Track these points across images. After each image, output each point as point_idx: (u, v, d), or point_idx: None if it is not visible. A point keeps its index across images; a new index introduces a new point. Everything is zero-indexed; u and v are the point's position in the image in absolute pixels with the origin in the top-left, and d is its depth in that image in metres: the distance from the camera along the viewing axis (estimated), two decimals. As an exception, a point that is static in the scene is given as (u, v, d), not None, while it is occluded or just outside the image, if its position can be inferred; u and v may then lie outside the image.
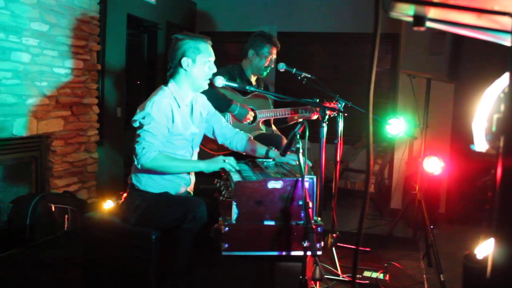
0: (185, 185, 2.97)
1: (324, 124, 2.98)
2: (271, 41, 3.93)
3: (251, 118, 3.73)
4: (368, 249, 3.83)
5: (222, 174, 2.82)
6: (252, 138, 3.21)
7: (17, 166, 4.42)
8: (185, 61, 2.83)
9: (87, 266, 3.05)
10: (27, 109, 4.11)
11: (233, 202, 2.31)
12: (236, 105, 3.66)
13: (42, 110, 4.28)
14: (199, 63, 2.85)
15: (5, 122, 3.90)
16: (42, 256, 3.61)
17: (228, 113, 3.74)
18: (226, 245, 2.28)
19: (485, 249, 1.44)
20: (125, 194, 2.99)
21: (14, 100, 3.97)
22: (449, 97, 5.48)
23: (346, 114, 3.31)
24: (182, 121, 2.87)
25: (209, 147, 3.68)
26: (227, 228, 2.28)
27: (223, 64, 3.75)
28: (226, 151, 3.49)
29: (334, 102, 3.64)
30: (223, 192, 2.63)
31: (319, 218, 2.42)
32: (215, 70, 2.93)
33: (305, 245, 2.10)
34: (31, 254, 3.64)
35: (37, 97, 4.21)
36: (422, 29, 0.98)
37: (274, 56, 3.96)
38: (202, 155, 3.36)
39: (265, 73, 3.98)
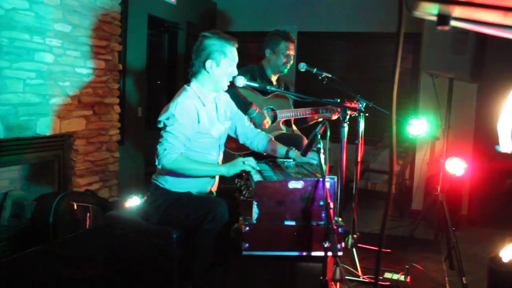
0: (210, 184, 2.99)
1: (345, 124, 2.96)
2: (286, 37, 3.91)
3: (267, 126, 3.71)
4: (389, 250, 3.80)
5: (243, 173, 2.83)
6: (272, 139, 3.21)
7: (40, 165, 4.50)
8: (209, 63, 2.83)
9: (109, 263, 3.09)
10: (50, 108, 4.18)
11: (253, 201, 2.32)
12: (255, 110, 3.65)
13: (65, 109, 4.35)
14: (223, 67, 2.86)
15: (29, 122, 3.97)
16: (64, 253, 3.66)
17: (247, 115, 3.74)
18: (247, 245, 2.29)
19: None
20: (147, 193, 3.02)
21: (38, 99, 4.04)
22: (472, 97, 5.40)
23: (367, 114, 3.29)
24: (209, 119, 2.89)
25: (229, 146, 3.69)
26: (247, 228, 2.29)
27: (244, 64, 3.75)
28: (246, 151, 3.50)
29: (355, 102, 3.61)
30: (244, 192, 2.63)
31: (340, 219, 2.41)
32: (236, 73, 2.94)
33: (325, 245, 2.10)
34: (53, 251, 3.69)
35: (60, 96, 4.28)
36: (447, 28, 0.97)
37: (292, 52, 3.94)
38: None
39: (285, 70, 3.97)
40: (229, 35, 2.92)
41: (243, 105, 3.61)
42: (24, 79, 3.90)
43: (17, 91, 3.84)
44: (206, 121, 2.86)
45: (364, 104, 3.48)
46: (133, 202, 3.99)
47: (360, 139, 3.23)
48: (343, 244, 2.30)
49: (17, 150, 4.01)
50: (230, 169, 2.77)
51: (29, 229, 4.06)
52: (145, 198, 3.03)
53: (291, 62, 3.96)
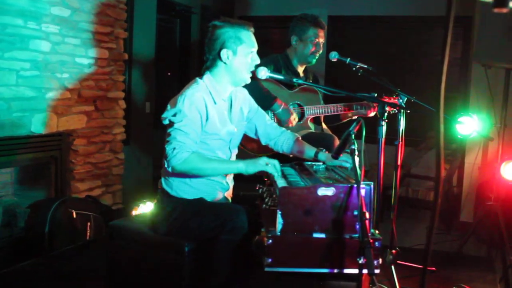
0: (222, 190, 2.99)
1: (383, 122, 2.95)
2: (315, 23, 3.90)
3: (294, 123, 3.71)
4: (433, 268, 3.77)
5: (265, 179, 2.83)
6: (299, 139, 3.21)
7: (35, 167, 4.55)
8: (224, 53, 2.84)
9: (111, 280, 3.11)
10: (46, 103, 4.24)
11: (277, 210, 2.31)
12: (279, 105, 3.65)
13: (63, 105, 4.40)
14: (240, 55, 2.86)
15: (23, 118, 4.03)
16: (61, 267, 3.70)
17: (270, 112, 3.74)
18: (269, 260, 2.29)
19: None
20: (155, 201, 3.04)
21: (32, 93, 4.09)
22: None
23: (408, 111, 3.27)
24: (219, 119, 2.90)
25: (250, 147, 3.70)
26: (270, 241, 2.28)
27: (266, 53, 3.75)
28: (269, 152, 3.50)
29: (394, 96, 3.59)
30: (266, 200, 2.63)
31: (377, 231, 2.39)
32: (258, 61, 2.94)
33: (360, 262, 2.09)
34: (49, 265, 3.73)
35: (57, 90, 4.33)
36: (505, 10, 0.96)
37: (322, 40, 3.94)
38: (242, 157, 3.37)
39: (313, 61, 3.96)
40: (242, 20, 2.94)
41: (266, 100, 3.61)
42: (17, 70, 3.95)
43: (9, 83, 3.90)
44: (216, 120, 2.87)
45: (405, 99, 3.47)
46: (140, 210, 4.03)
47: (400, 140, 3.21)
48: (380, 260, 2.29)
49: (9, 150, 4.07)
50: (250, 167, 2.75)
51: (22, 240, 4.10)
52: (152, 206, 3.05)
53: (320, 51, 3.95)
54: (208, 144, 2.88)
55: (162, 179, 2.96)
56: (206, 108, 2.81)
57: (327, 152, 3.06)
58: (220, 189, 2.98)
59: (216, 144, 2.92)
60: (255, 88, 3.44)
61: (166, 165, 2.72)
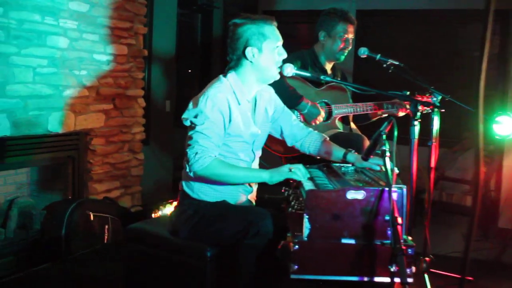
0: (246, 192, 2.99)
1: (416, 122, 2.93)
2: (344, 18, 3.88)
3: (321, 120, 3.70)
4: (470, 278, 3.72)
5: (292, 181, 2.82)
6: (327, 139, 3.19)
7: (51, 168, 4.61)
8: (249, 51, 2.83)
9: (129, 285, 3.12)
10: (64, 101, 4.29)
11: (304, 215, 2.30)
12: (307, 104, 3.64)
13: (81, 103, 4.45)
14: (266, 51, 2.85)
15: (40, 117, 4.08)
16: (78, 272, 3.73)
17: (296, 111, 3.73)
18: (296, 267, 2.28)
19: None
20: (175, 203, 3.04)
21: (49, 91, 4.15)
22: None
23: (443, 110, 3.24)
24: (242, 121, 2.89)
25: (275, 148, 3.69)
26: (297, 246, 2.27)
27: (292, 49, 3.74)
28: (295, 153, 3.49)
29: (427, 95, 3.56)
30: (293, 203, 2.63)
31: (410, 238, 2.37)
32: (285, 55, 2.93)
33: (392, 270, 2.08)
34: (66, 269, 3.77)
35: (75, 88, 4.38)
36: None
37: (351, 36, 3.92)
38: (267, 157, 3.37)
39: (342, 57, 3.94)
40: (263, 15, 2.93)
41: (292, 98, 3.60)
42: (34, 67, 4.01)
43: (26, 81, 3.95)
44: (239, 122, 2.86)
45: (440, 97, 3.43)
46: (160, 213, 4.05)
47: (434, 141, 3.18)
48: (413, 268, 2.27)
49: (25, 150, 4.12)
50: (274, 176, 2.74)
51: (37, 242, 4.15)
52: (174, 208, 3.06)
53: (350, 47, 3.93)
54: (230, 146, 2.88)
55: (183, 182, 2.97)
56: (230, 110, 2.81)
57: (356, 153, 3.04)
58: (244, 191, 2.98)
59: (239, 146, 2.92)
60: (280, 86, 3.42)
61: (187, 170, 2.72)
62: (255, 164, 3.08)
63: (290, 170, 2.70)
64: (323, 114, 3.70)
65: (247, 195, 3.01)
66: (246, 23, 2.85)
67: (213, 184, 2.84)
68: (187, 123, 2.81)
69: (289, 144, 3.24)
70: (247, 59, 2.85)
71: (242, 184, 2.93)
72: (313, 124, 3.68)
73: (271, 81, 2.98)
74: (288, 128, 3.19)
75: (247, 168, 2.95)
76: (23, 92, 3.92)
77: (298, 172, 2.69)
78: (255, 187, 3.07)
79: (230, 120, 2.82)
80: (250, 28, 2.83)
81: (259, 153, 3.10)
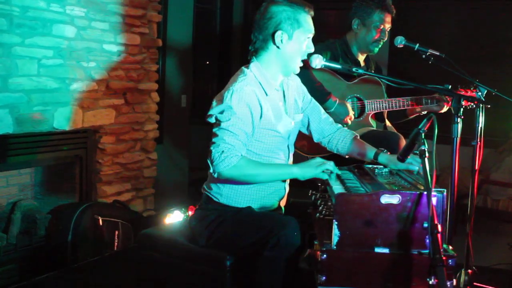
0: (277, 196, 2.99)
1: (458, 119, 2.90)
2: (382, 5, 3.85)
3: (350, 122, 3.68)
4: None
5: (319, 183, 2.81)
6: (358, 137, 3.18)
7: (57, 168, 4.65)
8: (279, 35, 2.82)
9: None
10: (71, 96, 4.32)
11: (333, 221, 2.30)
12: (334, 102, 3.63)
13: (89, 97, 4.48)
14: (295, 40, 2.85)
15: (45, 113, 4.12)
16: (86, 281, 3.76)
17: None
18: (323, 278, 2.27)
19: None
20: (194, 207, 3.04)
21: (55, 84, 4.18)
22: None
23: (488, 106, 3.20)
24: (274, 112, 2.89)
25: (298, 145, 3.66)
26: (325, 256, 2.27)
27: (320, 39, 3.73)
28: (322, 153, 3.48)
29: (472, 89, 3.53)
30: (321, 208, 2.62)
31: (450, 247, 2.36)
32: (312, 49, 2.93)
33: (430, 282, 2.06)
34: (72, 278, 3.80)
35: (83, 81, 4.42)
36: None
37: (388, 26, 3.89)
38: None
39: (376, 50, 3.93)
40: (302, 1, 2.91)
41: (318, 95, 3.58)
42: (39, 58, 4.05)
43: (30, 73, 3.99)
44: (271, 115, 2.86)
45: (485, 92, 3.40)
46: (174, 217, 4.06)
47: (478, 140, 3.15)
48: (454, 281, 2.26)
49: (28, 149, 4.17)
50: (306, 171, 2.75)
51: (42, 249, 4.20)
52: (192, 213, 3.06)
53: (385, 39, 3.90)
54: (263, 142, 2.88)
55: (210, 184, 2.95)
56: (260, 103, 2.81)
57: (389, 153, 3.02)
58: (275, 193, 2.98)
59: (274, 141, 2.92)
60: (306, 79, 3.41)
61: (211, 170, 2.72)
62: (290, 162, 3.08)
63: (321, 165, 2.71)
64: (352, 114, 3.68)
65: (278, 200, 3.01)
66: (283, 3, 2.84)
67: (241, 188, 2.85)
68: (212, 120, 2.81)
69: (315, 140, 3.24)
70: (274, 43, 2.84)
71: (272, 182, 2.92)
72: (342, 124, 3.66)
73: (289, 75, 2.98)
74: (316, 122, 3.19)
75: (275, 164, 2.94)
76: (26, 86, 3.95)
77: (331, 166, 2.70)
78: (287, 189, 3.06)
79: (261, 115, 2.82)
80: (286, 11, 2.82)
81: (293, 151, 3.09)
